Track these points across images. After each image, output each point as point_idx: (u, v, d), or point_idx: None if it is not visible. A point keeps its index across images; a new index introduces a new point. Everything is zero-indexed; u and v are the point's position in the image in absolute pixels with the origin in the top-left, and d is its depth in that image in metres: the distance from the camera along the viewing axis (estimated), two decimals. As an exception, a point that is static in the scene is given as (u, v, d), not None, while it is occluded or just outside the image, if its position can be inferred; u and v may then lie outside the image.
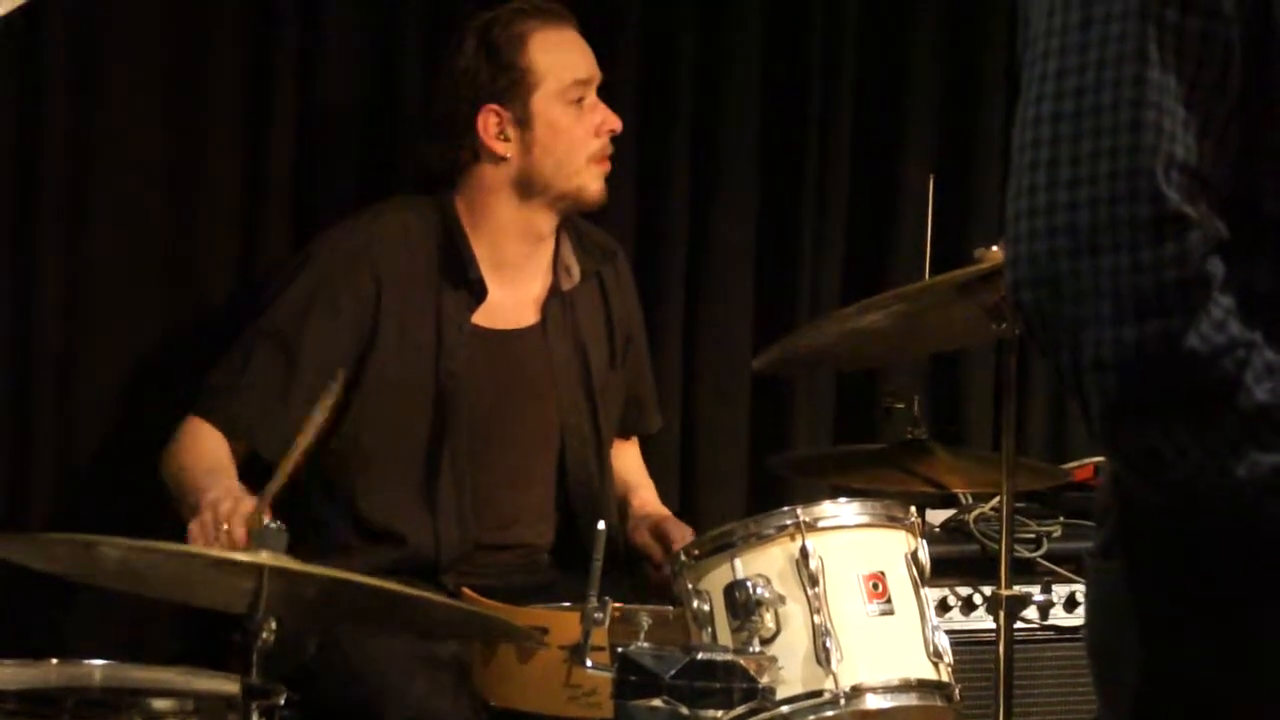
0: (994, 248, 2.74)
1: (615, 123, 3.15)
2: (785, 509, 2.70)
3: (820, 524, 2.69)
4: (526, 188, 3.12)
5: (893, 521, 2.74)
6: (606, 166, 3.15)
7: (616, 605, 2.65)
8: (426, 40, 3.41)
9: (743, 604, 2.64)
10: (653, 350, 3.43)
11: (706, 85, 3.63)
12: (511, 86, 3.09)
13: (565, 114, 3.11)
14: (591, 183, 3.13)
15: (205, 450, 3.02)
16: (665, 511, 3.28)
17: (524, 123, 3.10)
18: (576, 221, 3.23)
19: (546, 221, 3.16)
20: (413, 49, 3.42)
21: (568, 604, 2.81)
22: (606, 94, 3.23)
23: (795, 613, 2.65)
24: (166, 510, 3.01)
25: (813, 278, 3.67)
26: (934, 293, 2.87)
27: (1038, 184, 1.44)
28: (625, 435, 3.35)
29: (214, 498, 2.76)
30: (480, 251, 3.14)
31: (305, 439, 2.59)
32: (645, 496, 3.32)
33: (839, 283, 3.69)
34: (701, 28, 3.63)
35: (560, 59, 3.12)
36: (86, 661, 2.68)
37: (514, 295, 3.18)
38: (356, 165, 3.44)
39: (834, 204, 3.71)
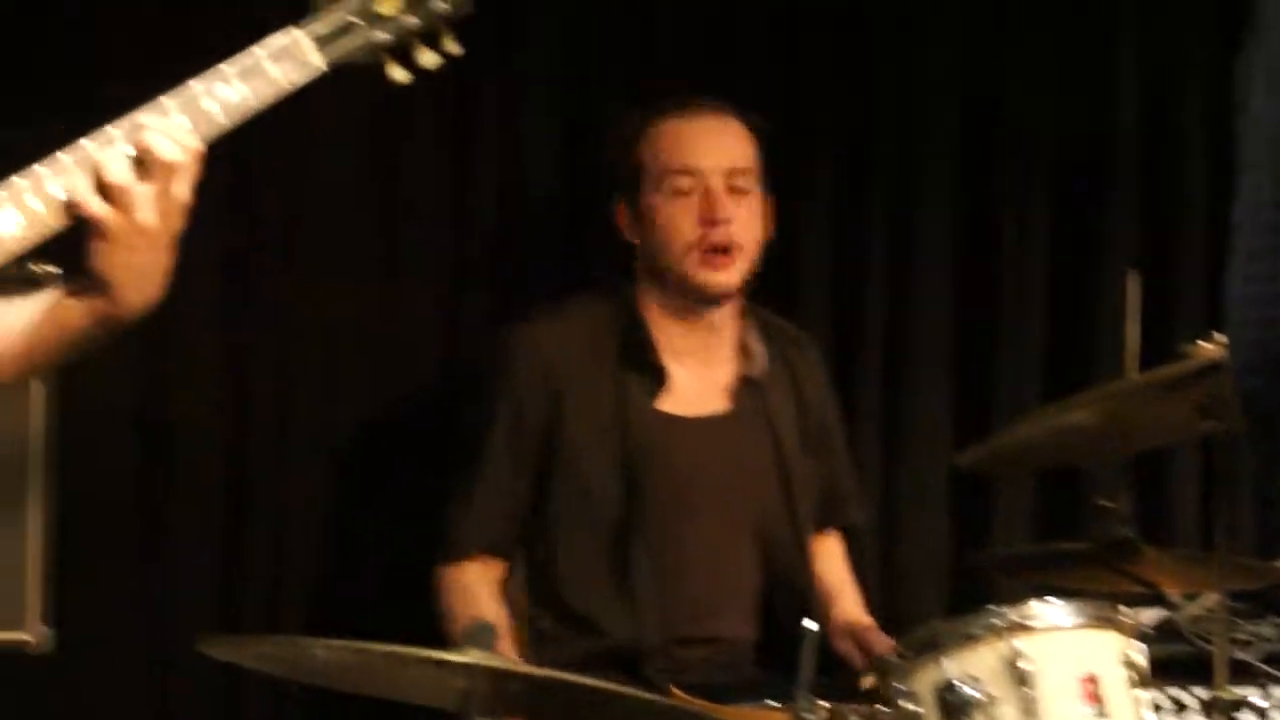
0: (1202, 343, 2.71)
1: (717, 212, 3.13)
2: (994, 609, 2.69)
3: (1031, 624, 2.67)
4: (658, 277, 3.18)
5: (1106, 622, 2.71)
6: (714, 255, 3.12)
7: (825, 705, 2.67)
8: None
9: (956, 705, 2.62)
10: (850, 444, 3.43)
11: (902, 182, 3.68)
12: (630, 178, 3.17)
13: (665, 204, 3.15)
14: (695, 271, 3.14)
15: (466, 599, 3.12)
16: (868, 621, 3.27)
17: (639, 214, 3.17)
18: (760, 312, 3.26)
19: (696, 310, 3.18)
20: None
21: (775, 704, 2.82)
22: (801, 192, 3.26)
23: (1008, 714, 2.63)
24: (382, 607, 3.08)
25: (1013, 373, 3.68)
26: (1142, 390, 2.85)
27: (1260, 272, 1.43)
28: (825, 527, 3.34)
29: None
30: (660, 337, 3.18)
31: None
32: (847, 604, 3.31)
33: (1039, 379, 3.69)
34: (897, 126, 3.67)
35: (665, 150, 3.16)
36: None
37: (701, 381, 3.21)
38: (557, 247, 3.56)
39: (1033, 298, 3.72)
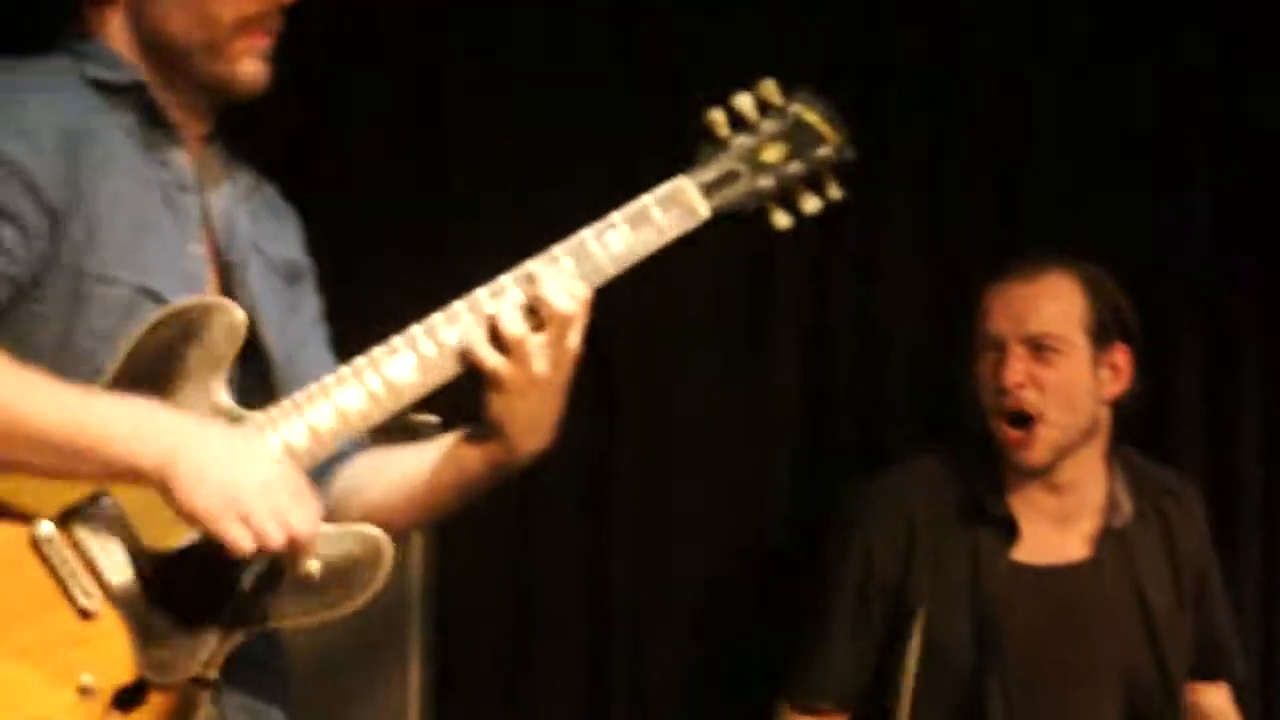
0: None
1: (1005, 378, 3.09)
2: None
3: None
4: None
5: None
6: (1012, 430, 3.09)
7: None
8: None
9: None
10: (1230, 594, 3.32)
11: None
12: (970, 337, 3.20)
13: (980, 368, 3.13)
14: (1003, 440, 3.11)
15: None
16: None
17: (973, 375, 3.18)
18: (1134, 460, 3.19)
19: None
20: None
21: None
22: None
23: None
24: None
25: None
26: None
27: None
28: (1207, 678, 3.24)
29: None
30: (1014, 488, 3.13)
31: (908, 681, 2.65)
32: None
33: None
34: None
35: (981, 315, 3.14)
36: None
37: (1061, 530, 3.15)
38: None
39: None
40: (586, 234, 2.17)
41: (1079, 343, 3.11)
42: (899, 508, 3.13)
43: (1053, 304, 3.12)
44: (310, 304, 2.35)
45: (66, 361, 2.05)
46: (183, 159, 2.20)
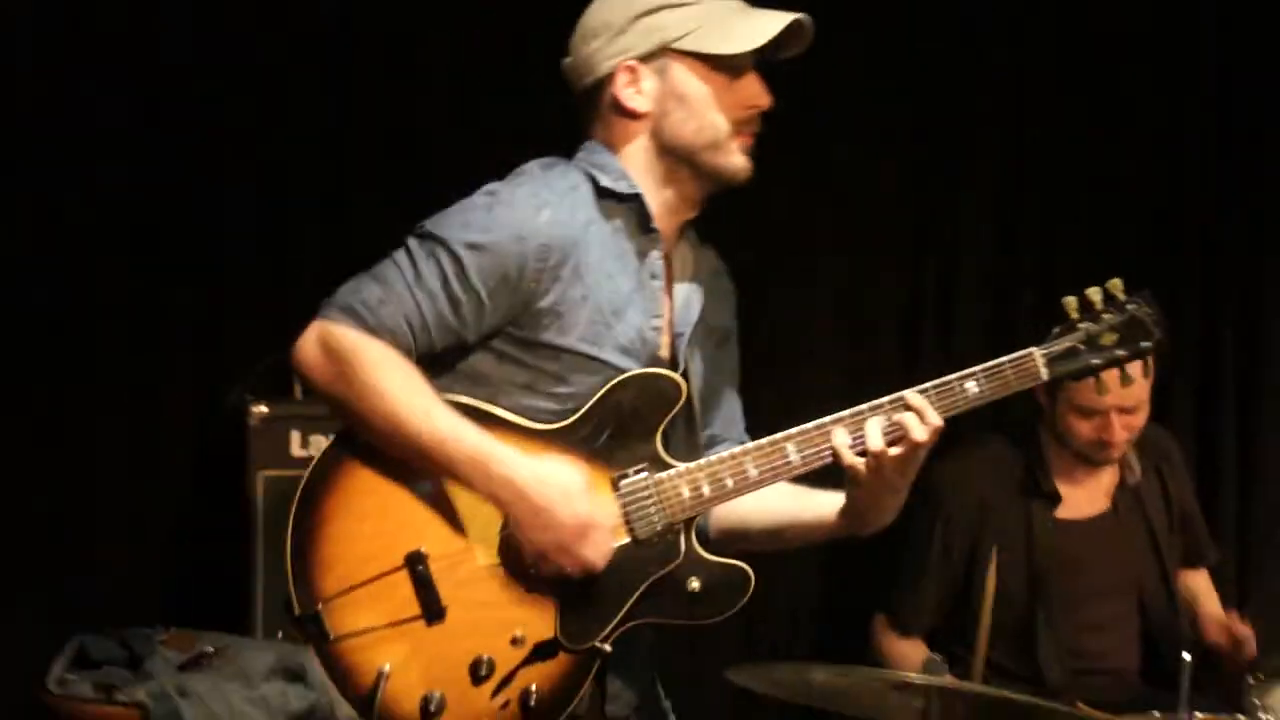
0: None
1: (1111, 436, 3.97)
2: None
3: None
4: (1063, 442, 4.08)
5: None
6: (1104, 450, 4.03)
7: (1201, 715, 3.38)
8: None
9: None
10: (1208, 502, 4.34)
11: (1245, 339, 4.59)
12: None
13: (1076, 420, 4.03)
14: (1093, 455, 4.07)
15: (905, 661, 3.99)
16: (1230, 615, 4.10)
17: (1055, 408, 4.07)
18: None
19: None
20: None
21: (1159, 714, 3.51)
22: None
23: None
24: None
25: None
26: None
27: None
28: (1190, 566, 4.23)
29: None
30: (1056, 465, 4.07)
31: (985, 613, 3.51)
32: (1210, 607, 4.19)
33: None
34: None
35: (1078, 391, 3.98)
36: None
37: (1088, 490, 4.12)
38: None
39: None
40: (953, 378, 2.60)
41: (1149, 396, 4.00)
42: (971, 485, 4.04)
43: (1139, 386, 3.85)
44: (731, 361, 2.85)
45: (553, 403, 2.59)
46: (657, 254, 2.68)
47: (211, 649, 3.65)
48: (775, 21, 2.65)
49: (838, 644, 4.24)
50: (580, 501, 2.54)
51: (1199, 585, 4.28)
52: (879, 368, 4.43)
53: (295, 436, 3.93)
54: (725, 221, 2.80)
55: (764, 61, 2.67)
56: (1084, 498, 4.12)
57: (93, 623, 3.78)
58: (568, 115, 2.74)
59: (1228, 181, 4.61)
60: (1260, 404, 4.61)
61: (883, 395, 2.62)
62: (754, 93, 2.66)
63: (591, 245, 2.62)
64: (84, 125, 4.09)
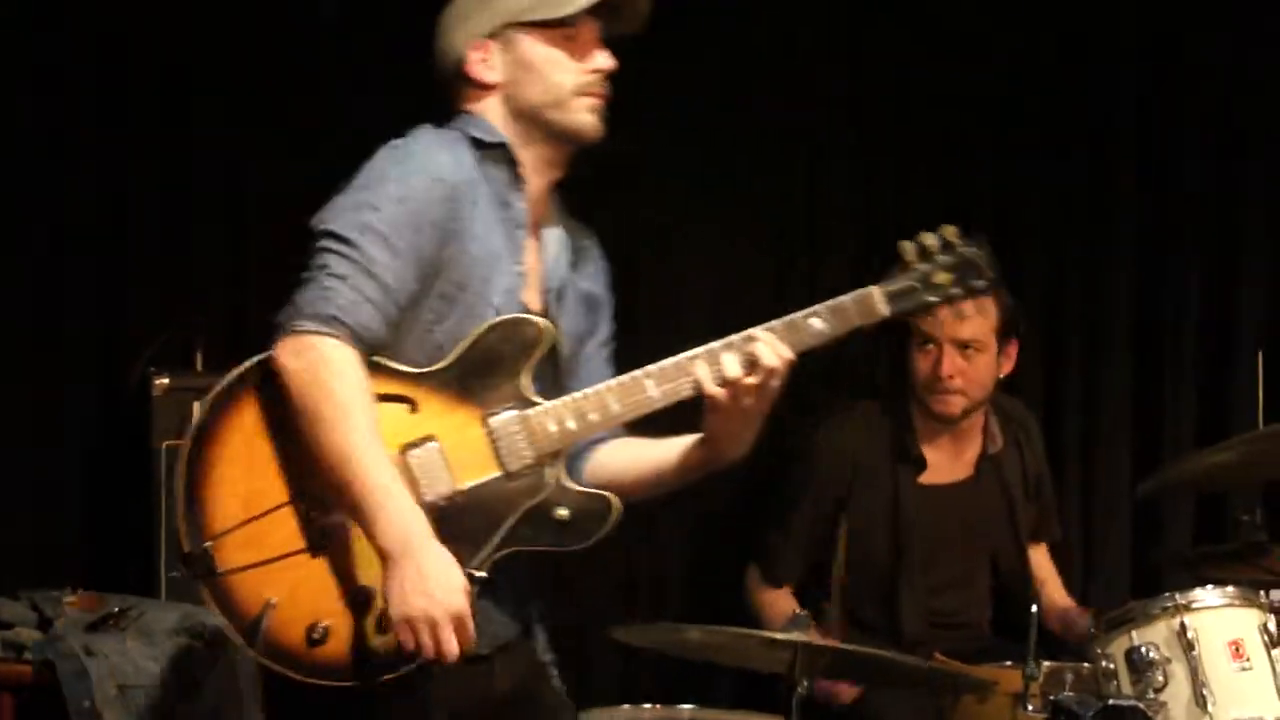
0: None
1: (942, 369, 4.17)
2: (1167, 595, 3.55)
3: (1194, 605, 3.51)
4: (919, 401, 4.29)
5: (1248, 602, 3.55)
6: (942, 395, 4.22)
7: (1048, 663, 3.60)
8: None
9: (1139, 664, 3.51)
10: (1058, 481, 4.54)
11: (1089, 289, 4.82)
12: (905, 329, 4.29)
13: (918, 356, 4.26)
14: (931, 403, 4.25)
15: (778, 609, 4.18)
16: (1070, 602, 4.37)
17: (908, 357, 4.31)
18: (1000, 399, 4.34)
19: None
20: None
21: (1009, 663, 3.77)
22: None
23: (1178, 670, 3.48)
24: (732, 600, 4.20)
25: (1174, 425, 4.80)
26: (1268, 438, 3.80)
27: None
28: (1037, 540, 4.46)
29: None
30: (922, 431, 4.26)
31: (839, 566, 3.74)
32: (1053, 590, 4.41)
33: (1192, 428, 4.80)
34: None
35: (923, 321, 4.21)
36: (679, 706, 3.91)
37: (952, 457, 4.33)
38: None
39: (1186, 371, 4.83)
40: (797, 316, 2.73)
41: (990, 343, 4.21)
42: (845, 447, 4.26)
43: (979, 317, 4.14)
44: (603, 330, 2.95)
45: (428, 346, 2.67)
46: (521, 205, 2.79)
47: (117, 609, 3.74)
48: None
49: (713, 599, 4.46)
50: (458, 599, 2.59)
51: (1041, 563, 4.45)
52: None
53: (197, 408, 4.00)
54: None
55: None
56: (948, 464, 4.32)
57: (2, 587, 3.84)
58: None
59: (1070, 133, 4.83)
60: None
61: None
62: (593, 55, 2.82)
63: (480, 192, 2.76)
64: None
